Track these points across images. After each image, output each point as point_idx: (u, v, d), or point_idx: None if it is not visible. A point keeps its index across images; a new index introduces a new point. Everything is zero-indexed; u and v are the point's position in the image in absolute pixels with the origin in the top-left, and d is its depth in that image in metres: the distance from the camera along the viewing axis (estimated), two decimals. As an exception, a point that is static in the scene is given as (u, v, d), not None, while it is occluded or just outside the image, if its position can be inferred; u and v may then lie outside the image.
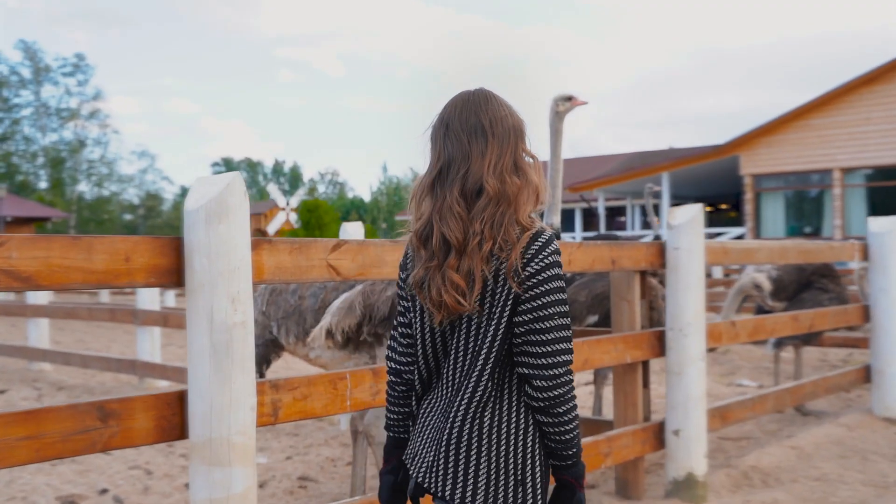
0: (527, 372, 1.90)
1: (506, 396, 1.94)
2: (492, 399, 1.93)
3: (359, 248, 3.20)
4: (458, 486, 1.91)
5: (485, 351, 1.91)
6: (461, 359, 1.95)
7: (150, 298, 8.71)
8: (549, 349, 1.89)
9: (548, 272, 1.89)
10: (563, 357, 1.90)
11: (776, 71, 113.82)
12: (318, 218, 42.19)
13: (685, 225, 4.52)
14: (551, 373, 1.89)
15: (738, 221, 30.04)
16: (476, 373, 1.92)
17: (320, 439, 6.05)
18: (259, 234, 49.30)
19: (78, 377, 9.58)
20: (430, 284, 1.92)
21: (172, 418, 2.68)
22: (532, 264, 1.88)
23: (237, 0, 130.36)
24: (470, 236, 1.88)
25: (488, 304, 1.90)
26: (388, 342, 2.17)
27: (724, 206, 36.71)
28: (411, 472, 2.01)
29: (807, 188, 27.18)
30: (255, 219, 63.15)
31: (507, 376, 1.94)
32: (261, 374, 4.04)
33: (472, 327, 1.93)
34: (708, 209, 37.04)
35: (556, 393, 1.90)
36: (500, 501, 1.91)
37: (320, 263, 3.07)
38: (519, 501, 1.93)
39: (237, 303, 2.64)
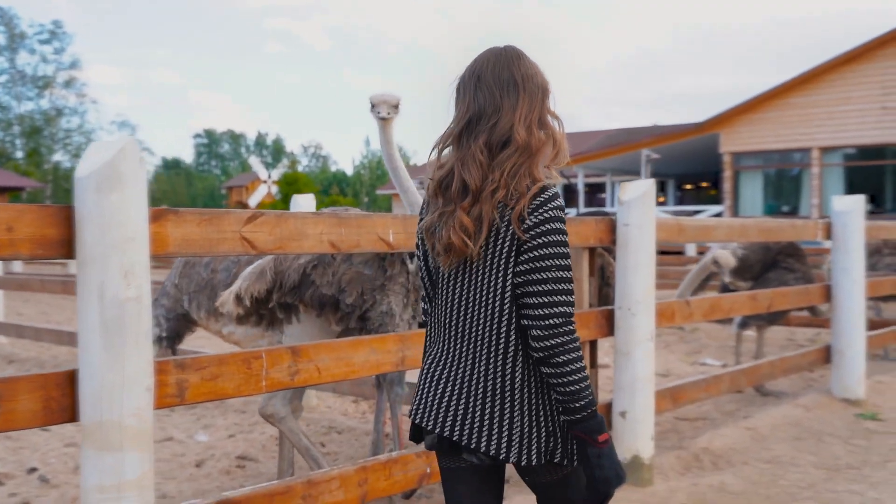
0: (526, 322, 1.94)
1: (520, 348, 1.98)
2: (521, 351, 1.97)
3: (277, 220, 3.03)
4: (493, 438, 1.94)
5: (499, 303, 1.96)
6: (472, 308, 2.00)
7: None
8: (547, 299, 1.91)
9: (549, 224, 1.92)
10: (560, 308, 1.91)
11: (766, 51, 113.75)
12: (298, 191, 41.89)
13: (636, 200, 4.37)
14: (549, 322, 1.90)
15: (718, 199, 29.97)
16: (496, 324, 1.97)
17: (267, 417, 5.90)
18: (240, 206, 48.90)
19: (32, 350, 9.39)
20: (441, 228, 1.98)
21: (62, 399, 2.51)
22: (535, 215, 1.92)
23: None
24: (488, 183, 1.94)
25: (496, 253, 1.95)
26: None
27: (704, 184, 36.66)
28: (429, 425, 2.01)
29: (785, 167, 27.14)
30: (236, 191, 62.70)
31: None
32: (172, 349, 3.88)
33: (476, 275, 1.99)
34: (688, 187, 37.01)
35: (555, 342, 1.90)
36: (533, 452, 1.95)
37: (233, 236, 2.90)
38: (550, 450, 1.98)
39: (130, 276, 2.46)
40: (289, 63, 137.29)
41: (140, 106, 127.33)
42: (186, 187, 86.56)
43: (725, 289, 7.77)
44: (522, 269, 1.93)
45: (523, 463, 1.96)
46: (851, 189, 24.92)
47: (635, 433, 4.41)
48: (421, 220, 2.12)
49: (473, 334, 2.00)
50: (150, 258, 2.60)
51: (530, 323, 1.93)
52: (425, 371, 2.09)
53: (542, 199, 1.94)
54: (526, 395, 1.97)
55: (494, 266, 1.96)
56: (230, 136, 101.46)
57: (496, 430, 1.95)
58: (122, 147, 2.45)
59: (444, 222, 1.98)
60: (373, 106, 3.64)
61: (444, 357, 2.05)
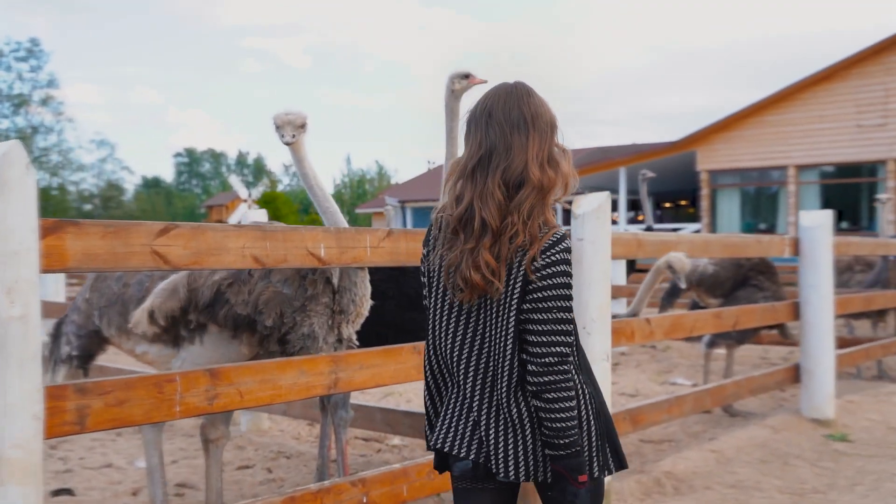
0: (524, 357, 2.04)
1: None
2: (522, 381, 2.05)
3: (193, 232, 2.83)
4: (520, 464, 2.05)
5: (507, 336, 2.04)
6: (489, 342, 2.08)
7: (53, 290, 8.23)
8: (545, 339, 2.00)
9: (556, 267, 2.01)
10: (557, 348, 2.00)
11: (744, 70, 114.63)
12: (276, 209, 41.64)
13: (589, 214, 4.20)
14: (545, 360, 2.00)
15: (697, 217, 29.96)
16: (508, 358, 2.04)
17: (215, 441, 5.66)
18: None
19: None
20: (464, 265, 2.03)
21: (-60, 428, 2.29)
22: (543, 256, 2.01)
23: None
24: (507, 224, 2.01)
25: (508, 292, 2.03)
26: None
27: (683, 202, 36.68)
28: (461, 452, 2.09)
29: (762, 185, 27.16)
30: (216, 210, 62.21)
31: None
32: (84, 369, 3.65)
33: (491, 311, 2.06)
34: (667, 205, 37.01)
35: (547, 379, 2.00)
36: (548, 474, 2.05)
37: (143, 250, 2.70)
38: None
39: (14, 294, 2.25)
40: (268, 81, 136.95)
41: (119, 124, 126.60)
42: (166, 206, 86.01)
43: (696, 306, 7.61)
44: (527, 307, 2.02)
45: (550, 480, 2.05)
46: (828, 206, 24.95)
47: (590, 458, 4.21)
48: (426, 251, 2.19)
49: (491, 366, 2.08)
50: (62, 274, 2.39)
51: (528, 358, 2.03)
52: (451, 399, 2.16)
53: (552, 241, 2.02)
54: (536, 422, 2.06)
55: (506, 304, 2.04)
56: (211, 155, 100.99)
57: (522, 457, 2.05)
58: (4, 152, 2.25)
59: (465, 259, 2.03)
60: (277, 128, 3.43)
61: (465, 387, 2.12)
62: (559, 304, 2.01)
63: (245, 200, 43.51)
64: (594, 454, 2.11)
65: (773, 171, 26.13)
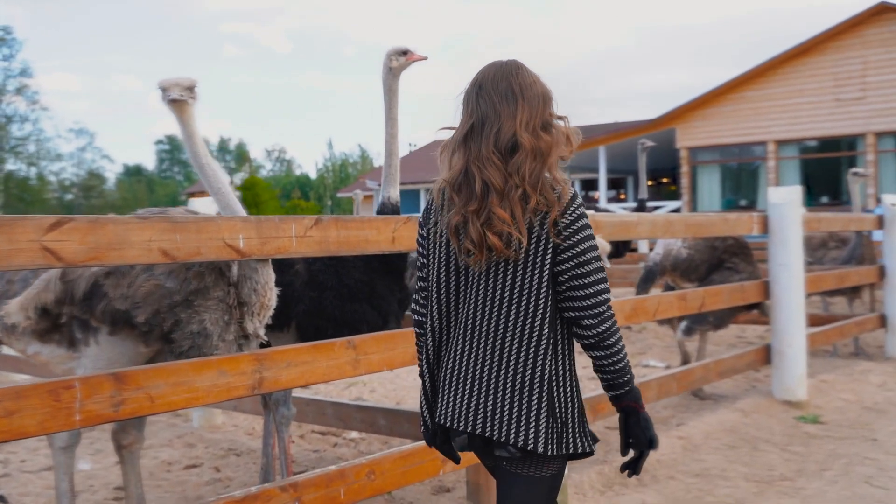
0: (575, 315, 2.10)
1: (559, 344, 2.12)
2: (552, 345, 2.10)
3: (90, 226, 2.60)
4: (521, 430, 2.06)
5: (534, 300, 2.07)
6: (502, 306, 2.09)
7: None
8: (593, 290, 2.09)
9: (580, 222, 2.09)
10: (604, 296, 2.11)
11: (731, 47, 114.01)
12: (256, 195, 41.22)
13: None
14: (597, 311, 2.09)
15: (678, 195, 29.84)
16: (529, 320, 2.08)
17: (165, 439, 5.45)
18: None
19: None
20: (471, 227, 2.05)
21: None
22: (565, 216, 2.07)
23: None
24: (511, 186, 2.04)
25: (530, 253, 2.07)
26: (413, 296, 2.34)
27: (665, 180, 36.55)
28: (459, 426, 2.11)
29: (741, 161, 27.03)
30: (198, 197, 61.57)
31: (558, 325, 2.12)
32: None
33: (507, 274, 2.09)
34: (650, 183, 36.85)
35: (605, 327, 2.10)
36: (553, 443, 2.08)
37: (31, 246, 2.47)
38: (565, 441, 2.11)
39: None
40: (249, 67, 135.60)
41: (100, 113, 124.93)
42: (148, 194, 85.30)
43: (669, 289, 7.42)
44: (565, 266, 2.08)
45: (549, 453, 2.08)
46: (808, 181, 24.86)
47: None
48: (425, 227, 2.23)
49: (502, 330, 2.10)
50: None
51: (580, 314, 2.09)
52: (448, 372, 2.17)
53: (569, 199, 2.08)
54: (552, 388, 2.09)
55: (531, 265, 2.07)
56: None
57: (524, 421, 2.07)
58: None
59: (470, 221, 2.06)
60: (163, 91, 3.15)
61: (466, 356, 2.13)
62: (594, 255, 2.10)
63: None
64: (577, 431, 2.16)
65: (752, 147, 26.00)
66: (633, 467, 2.24)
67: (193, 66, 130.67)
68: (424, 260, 2.25)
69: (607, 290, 2.13)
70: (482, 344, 2.11)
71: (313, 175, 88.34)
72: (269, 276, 3.20)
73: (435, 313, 2.19)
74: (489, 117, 2.10)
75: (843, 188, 25.30)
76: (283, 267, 3.80)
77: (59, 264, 2.55)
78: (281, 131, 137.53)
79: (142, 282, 3.07)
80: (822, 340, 7.05)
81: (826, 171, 25.57)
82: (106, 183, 68.71)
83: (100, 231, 2.62)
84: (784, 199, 6.08)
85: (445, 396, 2.16)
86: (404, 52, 3.93)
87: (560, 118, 2.17)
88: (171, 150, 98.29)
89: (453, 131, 2.19)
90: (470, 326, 2.13)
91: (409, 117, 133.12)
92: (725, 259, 7.07)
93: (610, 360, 2.13)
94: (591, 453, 2.20)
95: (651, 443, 2.19)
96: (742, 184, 27.42)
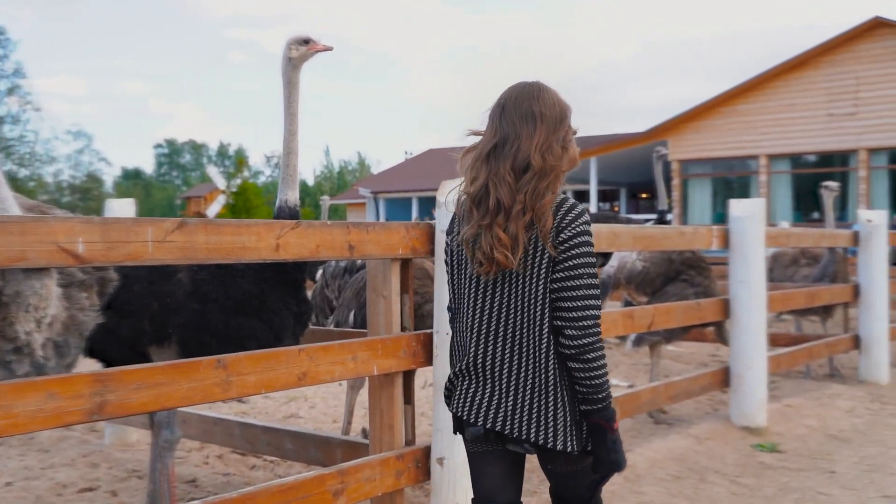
0: (560, 323, 2.25)
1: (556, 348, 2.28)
2: (554, 350, 2.27)
3: None
4: (541, 430, 2.26)
5: (540, 308, 2.26)
6: (514, 313, 2.29)
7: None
8: (580, 304, 2.24)
9: (580, 238, 2.24)
10: (591, 311, 2.24)
11: (728, 63, 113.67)
12: (247, 201, 40.74)
13: (453, 203, 3.62)
14: (581, 323, 2.23)
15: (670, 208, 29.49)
16: (536, 327, 2.27)
17: (69, 457, 5.05)
18: (198, 216, 47.59)
19: None
20: (483, 240, 2.25)
21: None
22: (566, 231, 2.24)
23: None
24: (516, 203, 2.23)
25: (530, 265, 2.25)
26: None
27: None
28: (478, 420, 2.31)
29: (733, 174, 26.67)
30: (194, 201, 61.30)
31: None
32: None
33: (516, 284, 2.27)
34: (644, 195, 36.49)
35: (586, 341, 2.24)
36: (572, 441, 2.28)
37: None
38: (584, 440, 2.30)
39: None
40: (253, 73, 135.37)
41: (102, 116, 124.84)
42: (145, 198, 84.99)
43: (629, 304, 7.06)
44: (558, 276, 2.25)
45: (568, 450, 2.27)
46: (799, 196, 24.53)
47: (454, 484, 3.65)
48: (451, 231, 2.43)
49: (517, 336, 2.29)
50: None
51: (565, 324, 2.24)
52: (468, 370, 2.36)
53: (574, 215, 2.25)
54: (562, 390, 2.27)
55: (533, 276, 2.26)
56: (192, 146, 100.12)
57: (543, 422, 2.26)
58: None
59: (483, 235, 2.25)
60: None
61: (486, 357, 2.33)
62: (588, 272, 2.24)
63: (224, 192, 42.82)
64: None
65: (744, 161, 25.67)
66: (591, 489, 2.37)
67: (198, 72, 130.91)
68: (447, 267, 2.45)
69: (596, 307, 2.24)
70: (498, 347, 2.31)
71: (311, 182, 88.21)
72: (43, 282, 2.68)
73: (461, 316, 2.39)
74: (510, 137, 2.27)
75: (836, 204, 24.96)
76: (164, 275, 3.44)
77: None
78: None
79: None
80: (788, 362, 6.68)
81: (818, 186, 25.24)
82: (103, 186, 68.37)
83: None
84: (746, 212, 5.72)
85: (464, 391, 2.37)
86: (306, 42, 3.58)
87: (575, 132, 2.35)
88: (170, 154, 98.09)
89: (479, 137, 2.36)
90: (485, 330, 2.32)
91: (409, 126, 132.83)
92: (682, 271, 6.73)
93: (588, 375, 2.24)
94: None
95: (615, 465, 2.28)
96: (733, 197, 27.02)
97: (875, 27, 22.66)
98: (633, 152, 27.45)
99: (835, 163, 24.34)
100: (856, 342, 7.62)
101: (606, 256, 9.04)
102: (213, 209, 40.78)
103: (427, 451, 3.73)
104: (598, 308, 2.25)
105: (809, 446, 5.56)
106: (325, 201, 12.08)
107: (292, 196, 3.61)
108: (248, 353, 3.08)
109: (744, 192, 26.33)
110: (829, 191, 8.40)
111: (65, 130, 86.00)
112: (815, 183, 24.99)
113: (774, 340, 8.17)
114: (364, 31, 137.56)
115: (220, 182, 45.20)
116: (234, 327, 3.43)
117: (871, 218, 7.57)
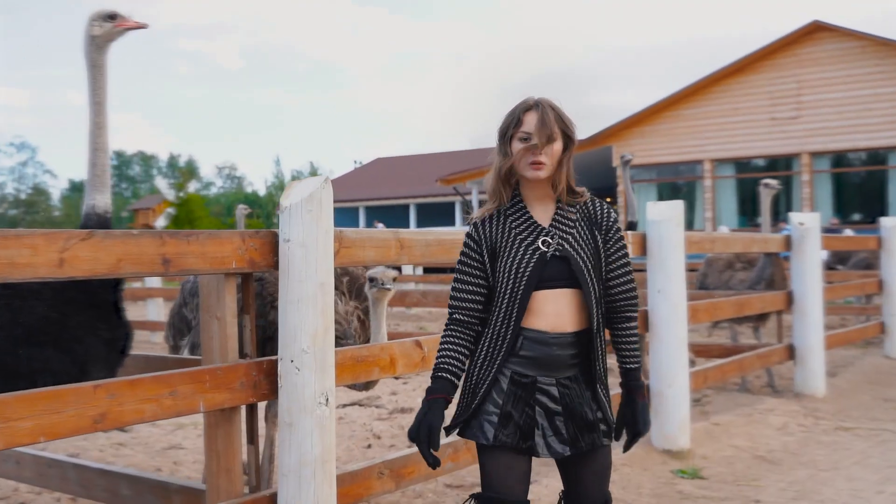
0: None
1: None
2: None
3: None
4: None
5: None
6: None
7: None
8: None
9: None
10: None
11: (681, 68, 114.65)
12: (190, 212, 39.85)
13: (298, 206, 3.07)
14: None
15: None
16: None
17: None
18: (147, 228, 46.41)
19: None
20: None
21: None
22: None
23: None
24: None
25: None
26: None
27: (607, 199, 36.02)
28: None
29: (677, 180, 26.49)
30: (142, 213, 59.97)
31: None
32: None
33: None
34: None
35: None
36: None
37: None
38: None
39: None
40: (201, 83, 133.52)
41: (45, 128, 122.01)
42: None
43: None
44: None
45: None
46: (744, 202, 24.39)
47: (303, 539, 3.08)
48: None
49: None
50: None
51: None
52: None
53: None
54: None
55: None
56: (141, 158, 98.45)
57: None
58: None
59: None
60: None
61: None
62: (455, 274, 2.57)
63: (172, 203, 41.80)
64: None
65: (689, 166, 25.50)
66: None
67: (145, 82, 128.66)
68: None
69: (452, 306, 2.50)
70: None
71: (263, 192, 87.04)
72: None
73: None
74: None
75: (782, 207, 24.91)
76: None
77: None
78: (233, 148, 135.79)
79: None
80: (716, 377, 6.22)
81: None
82: (50, 198, 66.78)
83: None
84: (663, 215, 5.26)
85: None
86: (112, 17, 3.01)
87: (526, 138, 2.46)
88: (119, 166, 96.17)
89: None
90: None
91: (358, 134, 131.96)
92: None
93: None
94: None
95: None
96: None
97: (815, 31, 22.65)
98: (579, 158, 27.08)
99: (779, 167, 24.26)
100: (790, 352, 7.20)
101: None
102: (162, 221, 39.87)
103: (274, 497, 3.16)
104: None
105: (735, 470, 5.09)
106: (241, 210, 11.43)
107: (102, 200, 3.04)
108: (19, 393, 2.49)
109: (690, 197, 26.17)
110: (767, 188, 7.97)
111: (7, 143, 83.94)
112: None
113: (706, 352, 7.75)
114: (309, 40, 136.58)
115: (170, 194, 44.25)
116: (23, 359, 2.84)
117: (803, 221, 7.17)
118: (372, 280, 3.89)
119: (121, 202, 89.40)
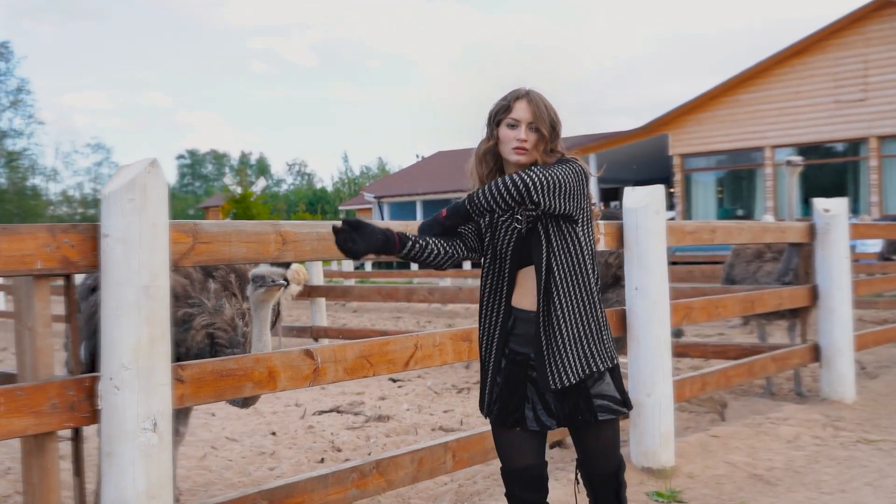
0: None
1: None
2: None
3: None
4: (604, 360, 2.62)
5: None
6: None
7: None
8: None
9: None
10: None
11: (751, 54, 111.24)
12: (246, 209, 39.87)
13: (118, 196, 2.59)
14: None
15: (672, 205, 28.24)
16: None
17: None
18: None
19: None
20: None
21: None
22: None
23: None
24: None
25: None
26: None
27: (670, 190, 34.89)
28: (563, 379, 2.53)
29: (737, 167, 25.35)
30: (212, 211, 60.76)
31: None
32: None
33: None
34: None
35: None
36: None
37: None
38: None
39: None
40: (275, 81, 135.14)
41: (126, 128, 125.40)
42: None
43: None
44: None
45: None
46: (807, 188, 23.17)
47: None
48: None
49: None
50: None
51: None
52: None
53: None
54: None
55: None
56: (213, 156, 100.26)
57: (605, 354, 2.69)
58: None
59: None
60: None
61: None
62: None
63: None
64: None
65: (749, 153, 24.36)
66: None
67: (220, 82, 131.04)
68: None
69: None
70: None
71: (330, 188, 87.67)
72: None
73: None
74: None
75: (849, 194, 23.56)
76: None
77: None
78: (304, 145, 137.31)
79: None
80: (718, 383, 5.53)
81: (828, 177, 23.86)
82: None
83: None
84: (639, 202, 4.63)
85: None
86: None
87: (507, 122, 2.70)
88: (192, 165, 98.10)
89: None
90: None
91: (426, 128, 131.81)
92: (621, 276, 5.64)
93: None
94: None
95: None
96: (738, 192, 25.76)
97: (882, 7, 21.32)
98: (633, 148, 26.26)
99: (845, 152, 22.97)
100: (815, 353, 6.45)
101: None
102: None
103: (102, 540, 2.69)
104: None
105: (722, 492, 4.44)
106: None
107: None
108: None
109: (750, 186, 25.06)
110: (792, 167, 7.19)
111: (84, 144, 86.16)
112: (824, 174, 23.71)
113: (723, 353, 7.03)
114: (380, 35, 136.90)
115: (238, 192, 44.57)
116: None
117: (829, 207, 6.41)
118: (256, 279, 3.38)
119: (191, 200, 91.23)
